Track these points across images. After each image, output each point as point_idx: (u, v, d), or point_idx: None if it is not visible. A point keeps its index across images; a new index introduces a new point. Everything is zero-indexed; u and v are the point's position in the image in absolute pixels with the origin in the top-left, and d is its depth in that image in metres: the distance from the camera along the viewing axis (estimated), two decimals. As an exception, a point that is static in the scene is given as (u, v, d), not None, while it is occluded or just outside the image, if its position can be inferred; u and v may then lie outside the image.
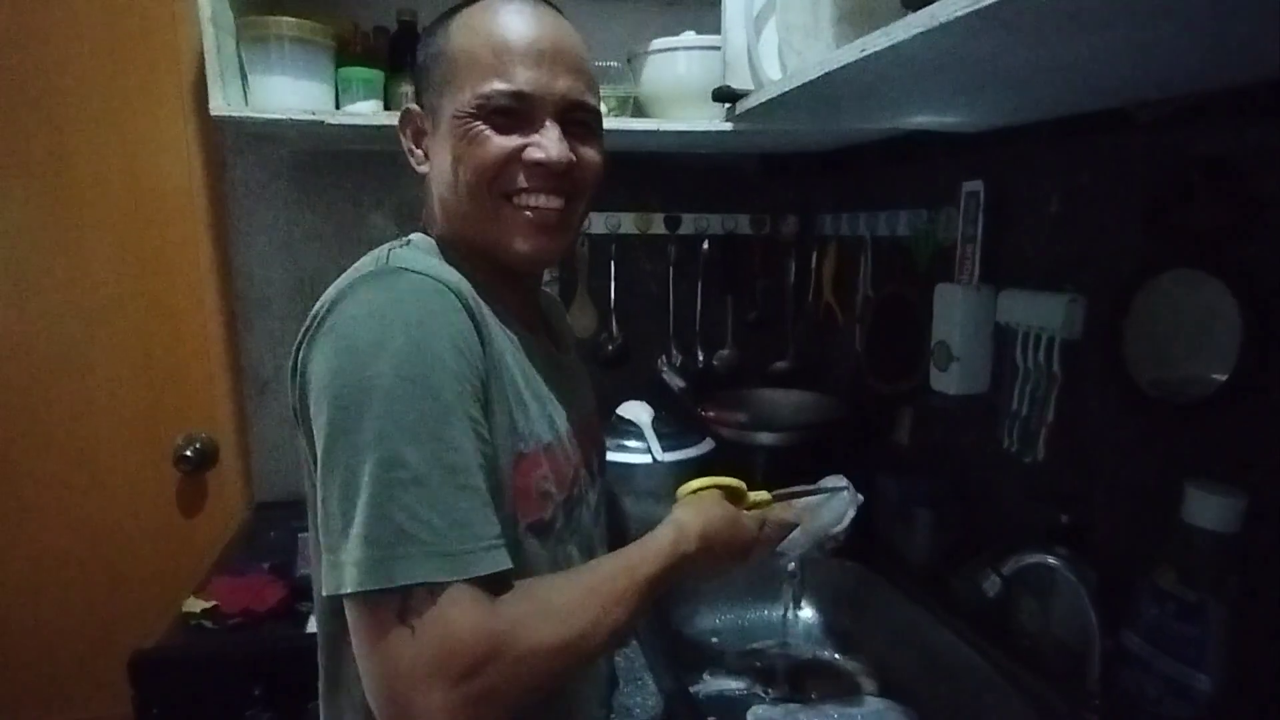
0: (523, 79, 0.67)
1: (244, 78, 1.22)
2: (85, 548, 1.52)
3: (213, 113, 1.15)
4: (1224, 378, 0.78)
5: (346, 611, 0.56)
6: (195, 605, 1.13)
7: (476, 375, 0.61)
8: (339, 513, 0.56)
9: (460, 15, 0.70)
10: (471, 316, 0.62)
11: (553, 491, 0.70)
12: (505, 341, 0.69)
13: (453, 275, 0.64)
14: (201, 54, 1.14)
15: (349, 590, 0.54)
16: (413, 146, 0.75)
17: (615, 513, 1.03)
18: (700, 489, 0.83)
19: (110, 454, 1.51)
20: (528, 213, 0.70)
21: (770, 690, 1.08)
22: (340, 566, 0.55)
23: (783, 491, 0.92)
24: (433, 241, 0.73)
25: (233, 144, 1.50)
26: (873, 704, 1.03)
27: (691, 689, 1.06)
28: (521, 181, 0.69)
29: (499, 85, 0.67)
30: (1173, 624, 0.78)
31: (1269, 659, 0.75)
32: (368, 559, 0.54)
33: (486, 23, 0.69)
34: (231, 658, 1.08)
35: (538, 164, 0.68)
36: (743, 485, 0.85)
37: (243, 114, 1.17)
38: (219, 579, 1.22)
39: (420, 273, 0.61)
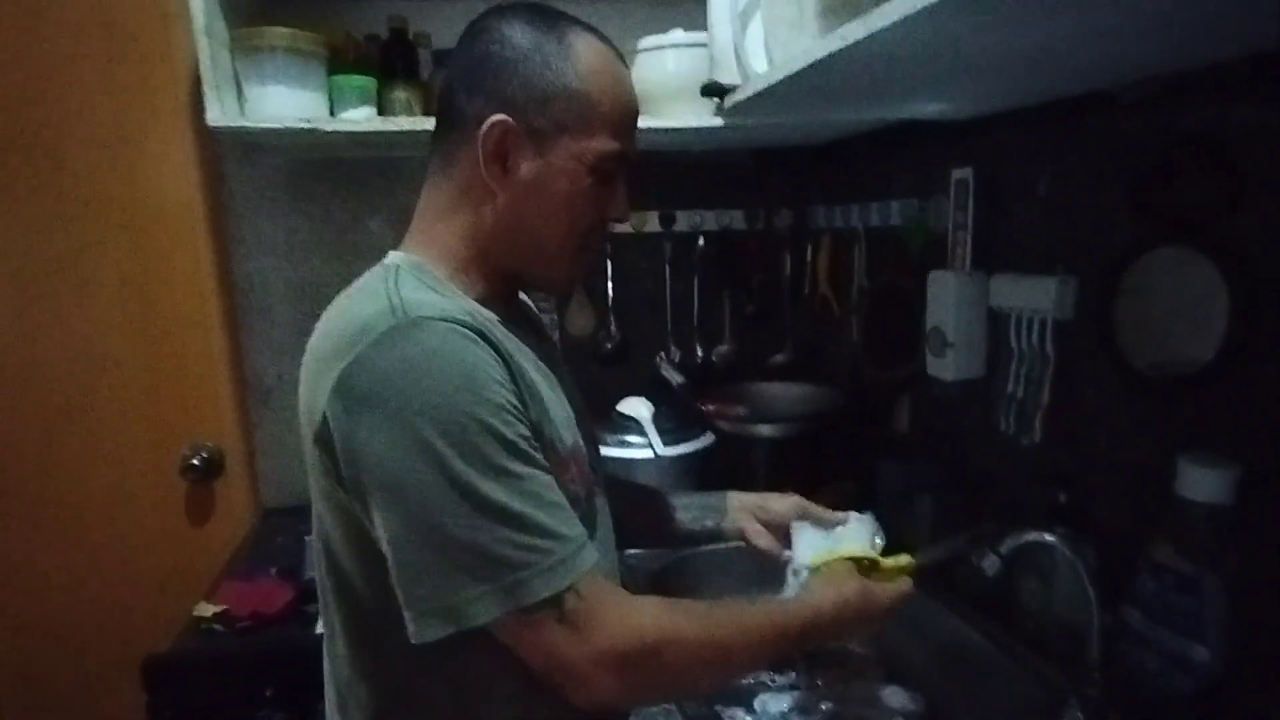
0: (630, 147, 0.74)
1: (239, 89, 1.23)
2: (96, 559, 1.53)
3: (209, 123, 1.17)
4: (1213, 353, 0.79)
5: (500, 634, 0.62)
6: (206, 610, 1.15)
7: (516, 399, 0.64)
8: (434, 565, 0.60)
9: (584, 60, 0.70)
10: (495, 349, 0.64)
11: (580, 493, 0.72)
12: (524, 358, 0.71)
13: (462, 309, 0.65)
14: (197, 66, 1.16)
15: (483, 621, 0.59)
16: (491, 161, 0.70)
17: (626, 489, 1.04)
18: (829, 563, 0.84)
19: (118, 466, 1.53)
20: (590, 257, 0.78)
21: (776, 678, 1.09)
22: (462, 604, 0.59)
23: (930, 549, 0.92)
24: (418, 262, 0.72)
25: (230, 155, 1.51)
26: (879, 690, 1.04)
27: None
28: (598, 235, 0.77)
29: (624, 149, 0.73)
30: (1171, 597, 0.79)
31: (1267, 628, 0.76)
32: (492, 592, 0.59)
33: (613, 84, 0.72)
34: (242, 659, 1.10)
35: (616, 220, 0.77)
36: (873, 556, 0.85)
37: (239, 124, 1.19)
38: (228, 584, 1.24)
39: (441, 318, 0.62)
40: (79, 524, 1.52)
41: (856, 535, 0.88)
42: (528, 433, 0.64)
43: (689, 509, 1.00)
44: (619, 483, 1.03)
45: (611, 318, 1.69)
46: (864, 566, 0.83)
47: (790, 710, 0.98)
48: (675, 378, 1.70)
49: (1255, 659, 0.76)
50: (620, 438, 1.43)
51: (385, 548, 0.61)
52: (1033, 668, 0.92)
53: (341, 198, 1.58)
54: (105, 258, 1.48)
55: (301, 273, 1.58)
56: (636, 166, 0.76)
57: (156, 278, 1.51)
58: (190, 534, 1.58)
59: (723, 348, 1.76)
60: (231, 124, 1.18)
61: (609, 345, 1.70)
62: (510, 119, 0.69)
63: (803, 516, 0.93)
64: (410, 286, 0.67)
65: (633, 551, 1.29)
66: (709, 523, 0.98)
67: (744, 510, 0.97)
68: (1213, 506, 0.76)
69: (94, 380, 1.51)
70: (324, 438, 0.62)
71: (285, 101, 1.21)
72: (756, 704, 1.02)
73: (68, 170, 1.45)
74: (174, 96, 1.46)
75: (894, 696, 1.03)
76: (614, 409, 1.51)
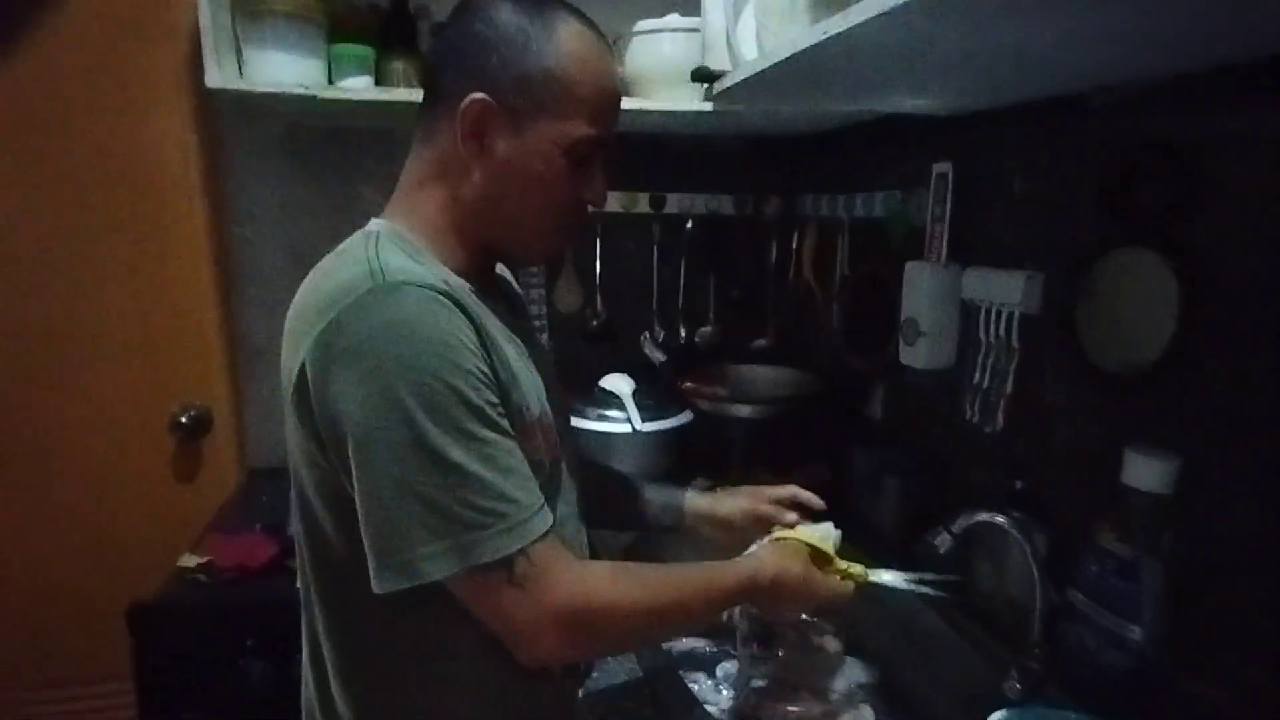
0: (609, 132, 0.76)
1: (239, 52, 1.25)
2: (82, 512, 1.56)
3: (208, 85, 1.18)
4: (1162, 351, 0.83)
5: (456, 591, 0.65)
6: (191, 560, 1.18)
7: (487, 366, 0.67)
8: (397, 520, 0.63)
9: (567, 43, 0.71)
10: (469, 316, 0.67)
11: (544, 460, 0.75)
12: (495, 326, 0.73)
13: (440, 278, 0.68)
14: (197, 28, 1.17)
15: (432, 577, 0.62)
16: (469, 138, 0.72)
17: (601, 474, 1.08)
18: (789, 537, 0.89)
19: (108, 421, 1.55)
20: (569, 234, 0.80)
21: (739, 647, 1.13)
22: (420, 560, 0.62)
23: (881, 574, 0.93)
24: (400, 230, 0.74)
25: (228, 118, 1.53)
26: (836, 660, 1.09)
27: (665, 646, 1.12)
28: (577, 215, 0.79)
29: (601, 135, 0.74)
30: (1111, 580, 0.83)
31: (1196, 612, 0.80)
32: (450, 549, 0.62)
33: (595, 68, 0.73)
34: (226, 610, 1.13)
35: (592, 202, 0.79)
36: (829, 551, 0.89)
37: (238, 87, 1.20)
38: (213, 537, 1.27)
39: (419, 284, 0.64)
40: (67, 475, 1.55)
41: (825, 536, 0.92)
42: (495, 400, 0.67)
43: (650, 504, 1.04)
44: (591, 466, 1.07)
45: (598, 295, 1.72)
46: (817, 556, 0.88)
47: (751, 678, 1.02)
48: (658, 356, 1.73)
49: (1184, 640, 0.81)
50: (601, 412, 1.47)
51: (357, 500, 0.64)
52: (981, 643, 0.97)
53: (336, 164, 1.59)
54: (101, 216, 1.50)
55: (294, 236, 1.60)
56: (615, 151, 0.78)
57: (150, 236, 1.53)
58: (176, 490, 1.61)
59: (706, 329, 1.80)
60: (230, 87, 1.19)
61: (595, 322, 1.73)
62: (489, 98, 0.70)
63: (752, 512, 0.98)
64: (390, 253, 0.69)
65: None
66: (666, 521, 1.04)
67: (697, 518, 1.02)
68: (1154, 496, 0.80)
69: (85, 337, 1.52)
70: (302, 393, 0.66)
71: (284, 67, 1.22)
72: (719, 670, 1.07)
73: (64, 128, 1.46)
74: (173, 57, 1.46)
75: (851, 668, 1.07)
76: (596, 384, 1.54)
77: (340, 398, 0.63)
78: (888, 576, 0.93)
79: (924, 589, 0.92)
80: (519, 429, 0.70)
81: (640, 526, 1.06)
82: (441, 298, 0.65)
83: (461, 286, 0.72)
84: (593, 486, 0.96)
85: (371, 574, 0.64)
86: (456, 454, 0.62)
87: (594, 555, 0.95)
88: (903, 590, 0.92)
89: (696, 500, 1.03)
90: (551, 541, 0.67)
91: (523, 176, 0.73)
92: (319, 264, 0.73)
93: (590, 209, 0.80)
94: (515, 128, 0.72)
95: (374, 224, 0.76)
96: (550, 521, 0.68)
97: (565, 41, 0.71)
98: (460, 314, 0.66)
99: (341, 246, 0.74)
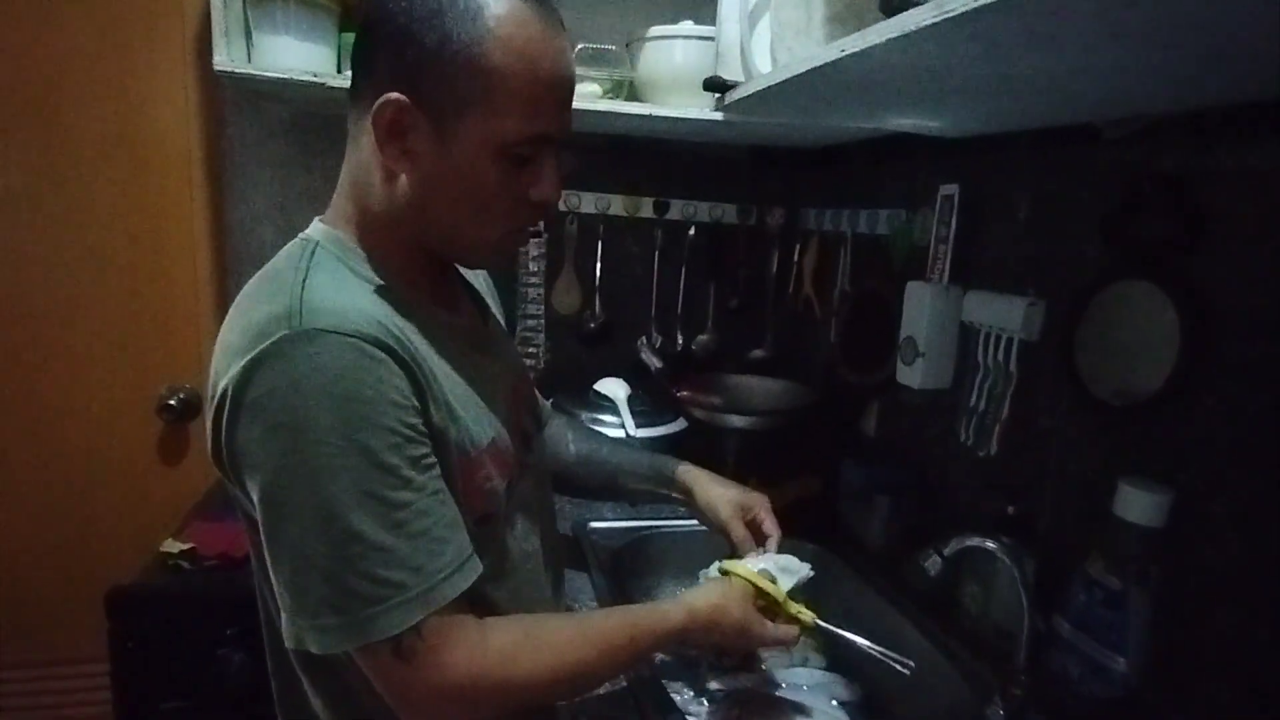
0: (555, 125, 0.67)
1: (248, 35, 1.24)
2: (65, 489, 1.54)
3: (216, 67, 1.17)
4: (1160, 383, 0.83)
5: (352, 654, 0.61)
6: (173, 546, 1.16)
7: (413, 415, 0.62)
8: (295, 584, 0.60)
9: (495, 27, 0.62)
10: (398, 359, 0.61)
11: (497, 485, 0.73)
12: (438, 354, 0.68)
13: (370, 313, 0.62)
14: (207, 9, 1.16)
15: (322, 653, 0.60)
16: (387, 142, 0.64)
17: (570, 441, 1.09)
18: (736, 574, 0.86)
19: (95, 400, 1.54)
20: (517, 238, 0.74)
21: (724, 660, 1.13)
22: (310, 630, 0.59)
23: (829, 628, 0.90)
24: (341, 239, 0.70)
25: (233, 101, 1.51)
26: (818, 675, 1.09)
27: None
28: (524, 217, 0.71)
29: (543, 130, 0.65)
30: (1098, 610, 0.83)
31: (1181, 646, 0.81)
32: (341, 625, 0.59)
33: (530, 53, 0.63)
34: (206, 598, 1.12)
35: (542, 204, 0.69)
36: (780, 597, 0.86)
37: (245, 71, 1.19)
38: (197, 524, 1.26)
39: (336, 331, 0.59)
40: (50, 455, 1.53)
41: (786, 569, 0.90)
42: (419, 452, 0.62)
43: (640, 474, 1.05)
44: (580, 433, 1.09)
45: (597, 298, 1.72)
46: (762, 598, 0.85)
47: (733, 691, 1.01)
48: (654, 362, 1.73)
49: (1168, 674, 0.81)
50: (594, 416, 1.46)
51: (265, 548, 0.61)
52: (965, 666, 0.97)
53: (340, 154, 1.56)
54: (98, 193, 1.48)
55: (294, 224, 1.54)
56: (562, 144, 0.69)
57: (149, 217, 1.51)
58: (162, 473, 1.59)
59: (703, 338, 1.79)
60: (238, 70, 1.18)
61: (592, 325, 1.73)
62: (404, 97, 0.62)
63: (735, 518, 0.98)
64: (319, 276, 0.64)
65: (596, 526, 1.32)
66: (660, 490, 1.05)
67: (686, 494, 1.03)
68: (1145, 529, 0.80)
69: (75, 316, 1.51)
70: (217, 430, 0.62)
71: (293, 53, 1.21)
72: (702, 680, 1.06)
73: (67, 105, 1.44)
74: (181, 38, 1.45)
75: (834, 685, 1.07)
76: (591, 388, 1.54)
77: (245, 452, 0.60)
78: (836, 633, 0.90)
79: (874, 649, 0.90)
80: (461, 466, 0.68)
81: (624, 495, 1.08)
82: (365, 344, 0.59)
83: (400, 303, 0.67)
84: (581, 458, 0.94)
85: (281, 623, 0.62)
86: (360, 521, 0.58)
87: (584, 562, 0.95)
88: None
89: (685, 475, 1.03)
90: (453, 611, 0.62)
91: (451, 183, 0.66)
92: (254, 278, 0.69)
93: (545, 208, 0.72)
94: (438, 129, 0.63)
95: (314, 229, 0.72)
96: (469, 579, 0.64)
97: (491, 25, 0.61)
98: (387, 359, 0.60)
99: (276, 259, 0.69)
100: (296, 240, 0.71)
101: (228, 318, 0.66)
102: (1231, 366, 0.77)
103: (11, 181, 1.45)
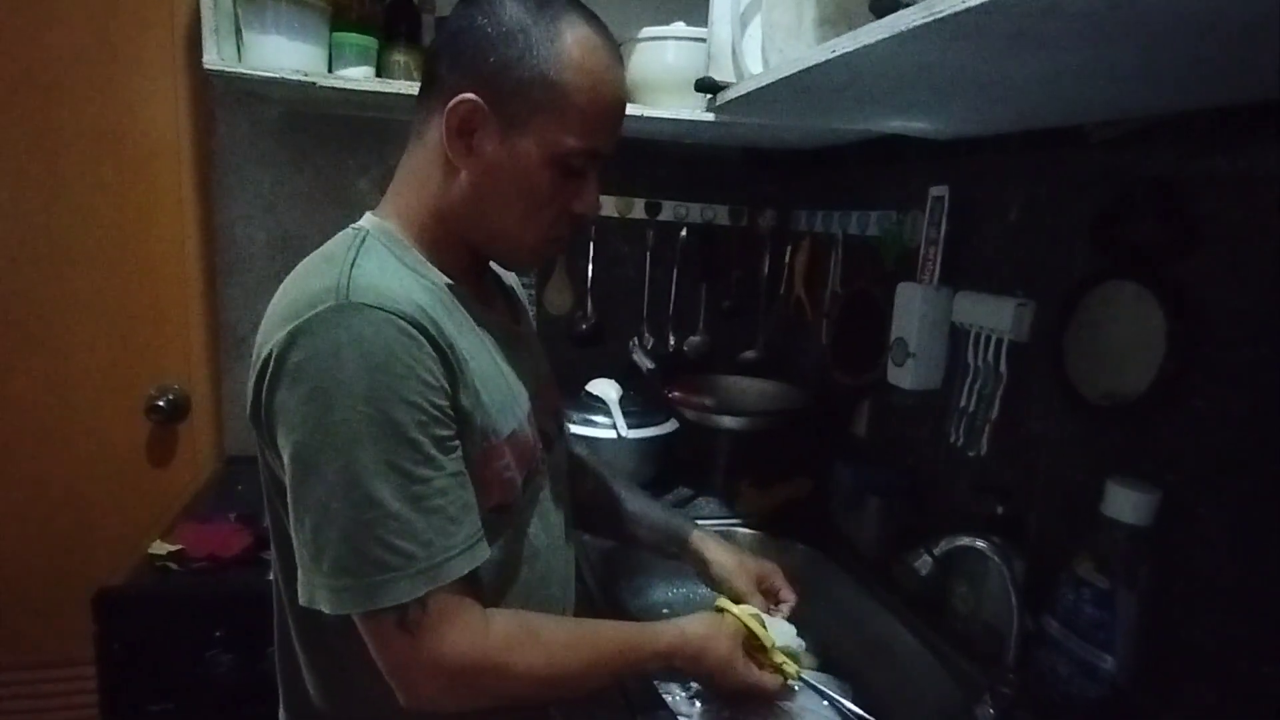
0: (607, 143, 0.73)
1: (239, 34, 1.23)
2: (52, 490, 1.53)
3: (206, 66, 1.17)
4: (1148, 385, 0.83)
5: (355, 621, 0.64)
6: (161, 548, 1.16)
7: (441, 396, 0.65)
8: (314, 542, 0.63)
9: (571, 48, 0.68)
10: (434, 341, 0.65)
11: (515, 476, 0.74)
12: (472, 343, 0.72)
13: (412, 296, 0.65)
14: (197, 8, 1.16)
15: (332, 612, 0.62)
16: (455, 137, 0.70)
17: (589, 477, 1.07)
18: (730, 613, 0.87)
19: (82, 400, 1.53)
20: (553, 245, 0.78)
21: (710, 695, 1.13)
22: (323, 589, 0.62)
23: (811, 683, 0.92)
24: (391, 230, 0.73)
25: (223, 100, 1.51)
26: (810, 676, 1.08)
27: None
28: (564, 227, 0.76)
29: (595, 147, 0.72)
30: (1086, 609, 0.83)
31: (1169, 645, 0.81)
32: (352, 587, 0.62)
33: (598, 76, 0.70)
34: (195, 600, 1.11)
35: (582, 215, 0.76)
36: (768, 642, 0.87)
37: (235, 70, 1.18)
38: (186, 525, 1.25)
39: (379, 307, 0.62)
40: (38, 453, 1.52)
41: (781, 630, 0.91)
42: (444, 433, 0.65)
43: (654, 529, 1.04)
44: (601, 477, 1.07)
45: (589, 299, 1.72)
46: (752, 640, 0.87)
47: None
48: (646, 363, 1.73)
49: (1155, 672, 0.82)
50: (586, 416, 1.46)
51: (290, 509, 0.65)
52: (955, 666, 0.97)
53: (331, 154, 1.58)
54: (86, 191, 1.47)
55: (284, 225, 1.58)
56: (610, 160, 0.76)
57: (137, 215, 1.50)
58: (150, 474, 1.58)
59: (695, 339, 1.80)
60: (228, 69, 1.18)
61: (584, 326, 1.73)
62: (480, 99, 0.68)
63: (754, 590, 0.97)
64: (369, 261, 0.67)
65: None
66: (671, 549, 1.03)
67: (695, 559, 1.01)
68: (1133, 528, 0.81)
69: (63, 313, 1.49)
70: (258, 392, 0.66)
71: (284, 52, 1.21)
72: (693, 683, 1.06)
73: (56, 103, 1.43)
74: (169, 36, 1.45)
75: (825, 684, 1.07)
76: (583, 388, 1.54)
77: (282, 411, 0.63)
78: (818, 689, 0.92)
79: (855, 712, 0.91)
80: (482, 451, 0.70)
81: (634, 544, 1.06)
82: (404, 323, 0.63)
83: (442, 292, 0.71)
84: (596, 497, 0.95)
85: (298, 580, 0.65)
86: (380, 489, 0.61)
87: (576, 562, 0.95)
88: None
89: (700, 543, 1.02)
90: (459, 589, 0.65)
91: (508, 183, 0.71)
92: (304, 260, 0.72)
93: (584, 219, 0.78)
94: (505, 132, 0.69)
95: (366, 220, 0.75)
96: (475, 562, 0.66)
97: (570, 48, 0.68)
98: (423, 340, 0.64)
99: (328, 244, 0.73)
100: (348, 229, 0.74)
101: (277, 294, 0.70)
102: (1219, 369, 0.78)
103: (-1, 180, 1.44)
